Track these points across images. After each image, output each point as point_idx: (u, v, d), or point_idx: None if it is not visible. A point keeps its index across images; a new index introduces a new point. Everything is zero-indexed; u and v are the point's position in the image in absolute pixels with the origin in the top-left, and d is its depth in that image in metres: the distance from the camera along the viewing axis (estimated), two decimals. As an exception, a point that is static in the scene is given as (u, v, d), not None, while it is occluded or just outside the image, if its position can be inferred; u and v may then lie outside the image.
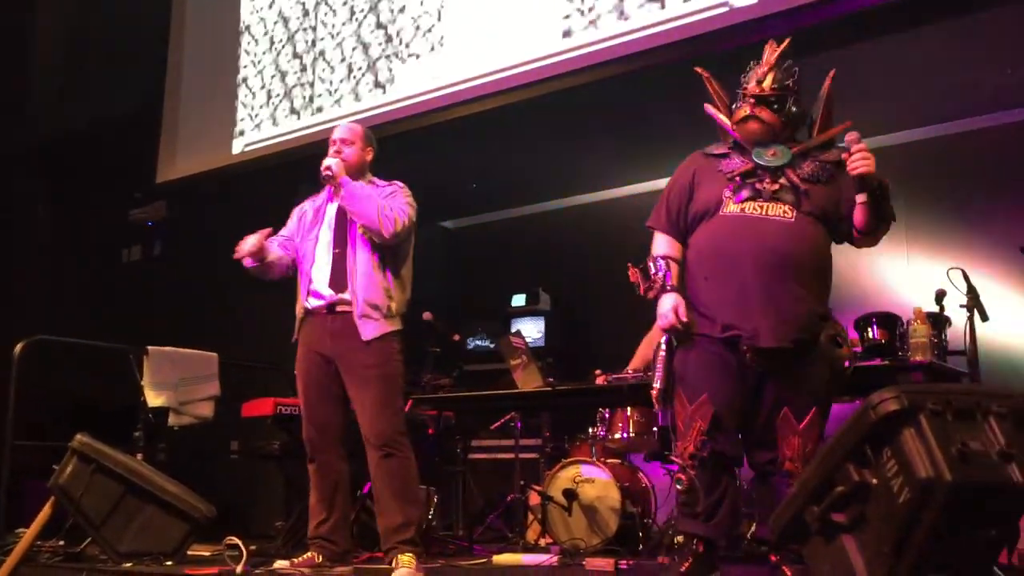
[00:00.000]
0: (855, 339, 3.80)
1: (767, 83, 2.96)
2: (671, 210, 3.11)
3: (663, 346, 3.02)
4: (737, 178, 2.97)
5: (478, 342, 6.63)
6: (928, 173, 5.58)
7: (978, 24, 4.39)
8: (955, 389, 2.29)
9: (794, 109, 2.98)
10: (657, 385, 2.99)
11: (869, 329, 3.75)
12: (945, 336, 3.70)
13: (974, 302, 3.61)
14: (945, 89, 5.16)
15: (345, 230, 3.54)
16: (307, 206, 3.75)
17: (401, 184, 3.65)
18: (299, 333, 3.61)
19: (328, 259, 3.53)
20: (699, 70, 3.15)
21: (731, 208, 2.95)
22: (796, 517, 2.36)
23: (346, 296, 3.46)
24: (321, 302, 3.51)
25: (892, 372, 3.32)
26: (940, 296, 3.72)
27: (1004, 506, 2.14)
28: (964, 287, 3.64)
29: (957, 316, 3.72)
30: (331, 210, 3.63)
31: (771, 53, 3.01)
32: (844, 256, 5.53)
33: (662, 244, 3.13)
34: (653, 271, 3.06)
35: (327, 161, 3.54)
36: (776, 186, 2.93)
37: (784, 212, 2.90)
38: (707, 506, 2.92)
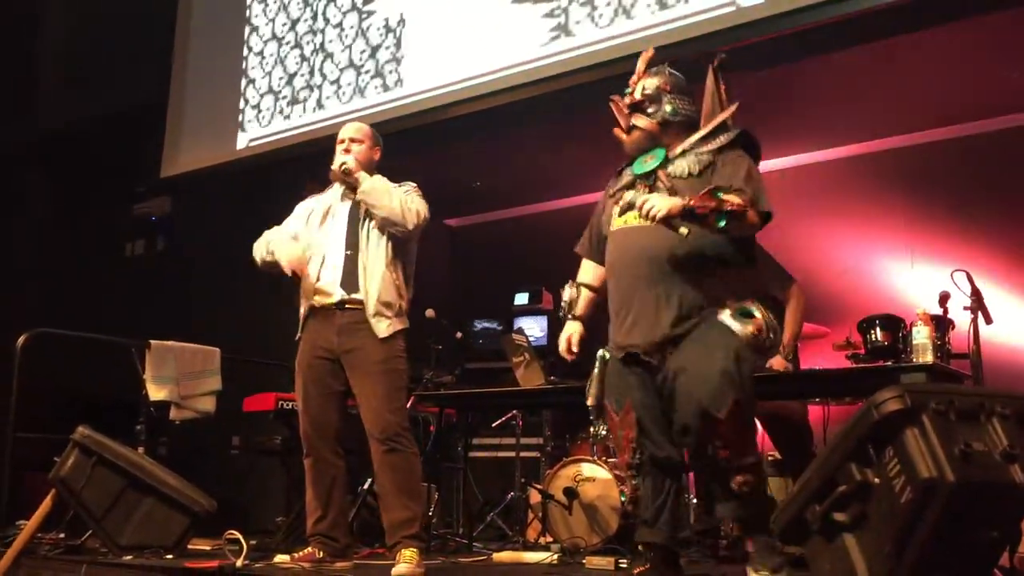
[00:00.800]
0: (858, 340, 3.80)
1: (637, 91, 2.98)
2: (591, 236, 3.19)
3: (597, 363, 3.06)
4: (620, 192, 2.98)
5: (486, 325, 6.62)
6: (933, 176, 5.58)
7: (984, 26, 4.39)
8: (958, 390, 2.30)
9: (668, 108, 2.94)
10: (590, 401, 3.07)
11: (872, 331, 3.74)
12: (948, 339, 3.69)
13: (978, 304, 3.60)
14: (951, 92, 5.15)
15: (357, 229, 3.53)
16: (313, 205, 3.72)
17: (414, 184, 3.64)
18: (303, 330, 3.58)
19: (340, 258, 3.51)
20: (612, 97, 3.06)
21: (616, 224, 2.99)
22: (797, 516, 2.36)
23: (358, 296, 3.45)
24: (330, 299, 3.49)
25: (895, 374, 3.31)
26: (944, 299, 3.72)
27: (1006, 507, 2.14)
28: (968, 289, 3.64)
29: (961, 319, 3.72)
30: (341, 209, 3.61)
31: (640, 64, 3.03)
32: (850, 258, 5.61)
33: (583, 270, 3.25)
34: (563, 298, 3.20)
35: (343, 158, 3.53)
36: (647, 191, 2.89)
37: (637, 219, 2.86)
38: (652, 512, 2.91)
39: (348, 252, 3.51)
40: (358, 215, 3.54)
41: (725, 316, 2.73)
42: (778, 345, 2.82)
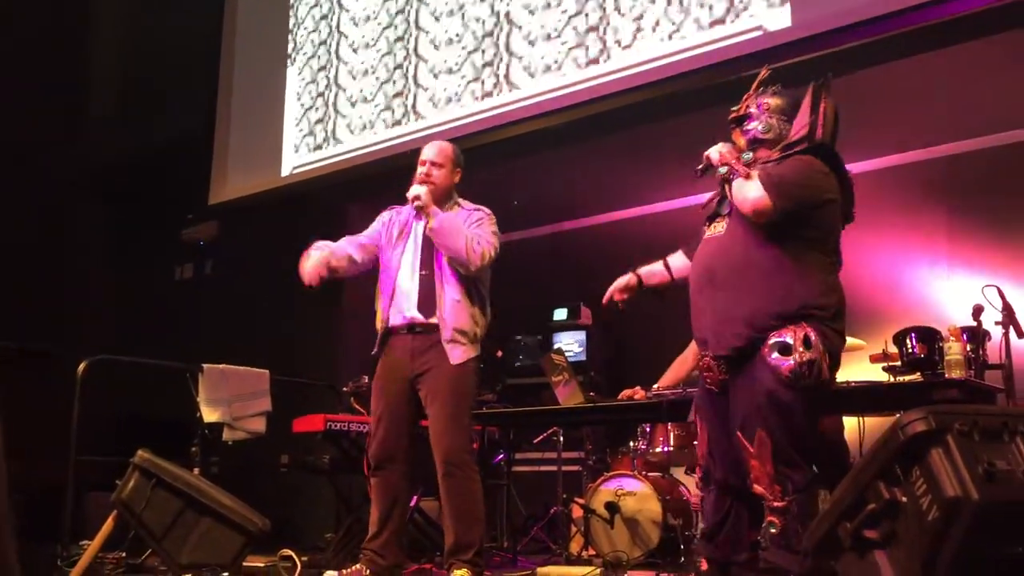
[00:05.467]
0: (894, 352, 3.84)
1: (737, 107, 3.12)
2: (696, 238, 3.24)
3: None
4: (712, 205, 3.13)
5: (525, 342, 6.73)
6: (971, 186, 5.58)
7: (1020, 39, 4.41)
8: (983, 410, 2.34)
9: (760, 127, 3.03)
10: (691, 417, 3.19)
11: (908, 344, 3.78)
12: (984, 350, 3.72)
13: (1009, 319, 3.64)
14: (988, 101, 5.17)
15: (432, 252, 3.57)
16: (393, 217, 3.74)
17: (488, 212, 3.65)
18: (379, 348, 3.64)
19: (414, 280, 3.56)
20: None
21: (706, 236, 3.10)
22: (830, 533, 2.43)
23: (433, 320, 3.49)
24: (405, 321, 3.55)
25: (927, 388, 3.36)
26: (977, 312, 3.75)
27: (1030, 524, 2.19)
28: (1000, 304, 3.67)
29: (995, 331, 3.75)
30: (418, 228, 3.64)
31: (754, 84, 3.14)
32: (887, 271, 5.63)
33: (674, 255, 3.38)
34: None
35: (416, 190, 3.52)
36: (716, 203, 3.07)
37: (722, 227, 3.00)
38: (709, 527, 3.00)
39: (423, 273, 3.55)
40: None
41: (771, 349, 2.77)
42: (821, 379, 2.78)
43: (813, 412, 2.85)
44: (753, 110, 3.05)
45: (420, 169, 3.63)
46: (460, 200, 3.70)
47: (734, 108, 3.12)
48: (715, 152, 2.99)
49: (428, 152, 3.67)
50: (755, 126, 3.03)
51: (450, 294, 3.50)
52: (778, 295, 2.81)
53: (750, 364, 2.81)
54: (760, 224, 2.84)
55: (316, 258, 3.55)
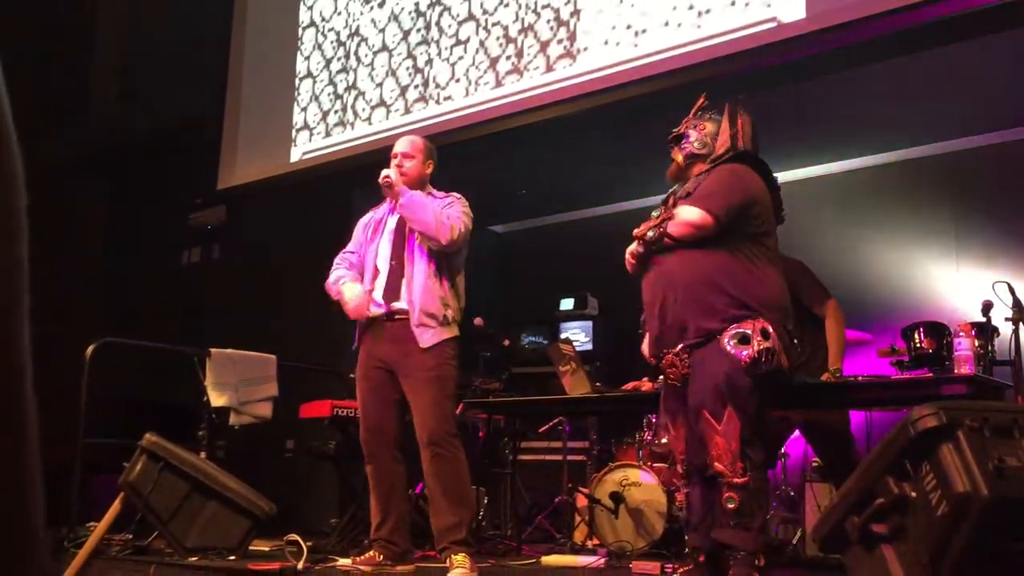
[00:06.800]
0: (902, 347, 3.85)
1: (677, 128, 3.37)
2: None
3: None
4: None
5: (532, 338, 6.74)
6: (979, 183, 5.58)
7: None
8: (993, 406, 2.36)
9: (696, 144, 3.28)
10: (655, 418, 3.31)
11: (916, 338, 3.79)
12: (993, 346, 3.72)
13: (1019, 315, 3.64)
14: (997, 98, 5.16)
15: (403, 242, 3.64)
16: (369, 217, 3.87)
17: (459, 195, 3.74)
18: (360, 340, 3.70)
19: (385, 270, 3.64)
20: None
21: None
22: (837, 526, 2.44)
23: (401, 305, 3.56)
24: (380, 310, 3.61)
25: (937, 384, 3.36)
26: (987, 308, 3.75)
27: (1040, 520, 2.19)
28: (1010, 300, 3.67)
29: (1005, 327, 3.75)
30: (391, 222, 3.73)
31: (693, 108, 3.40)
32: (895, 265, 5.64)
33: None
34: None
35: (385, 171, 3.65)
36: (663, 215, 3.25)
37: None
38: (697, 518, 3.14)
39: (393, 263, 3.63)
40: (405, 228, 3.64)
41: (731, 339, 2.94)
42: (779, 366, 2.97)
43: (764, 399, 3.02)
44: (691, 131, 3.32)
45: (392, 162, 3.74)
46: (433, 191, 3.77)
47: (674, 129, 3.38)
48: (633, 247, 3.24)
49: (399, 146, 3.80)
50: (692, 142, 3.30)
51: (419, 279, 3.56)
52: (737, 292, 3.01)
53: (708, 354, 2.98)
54: (707, 237, 3.05)
55: (359, 291, 3.65)
